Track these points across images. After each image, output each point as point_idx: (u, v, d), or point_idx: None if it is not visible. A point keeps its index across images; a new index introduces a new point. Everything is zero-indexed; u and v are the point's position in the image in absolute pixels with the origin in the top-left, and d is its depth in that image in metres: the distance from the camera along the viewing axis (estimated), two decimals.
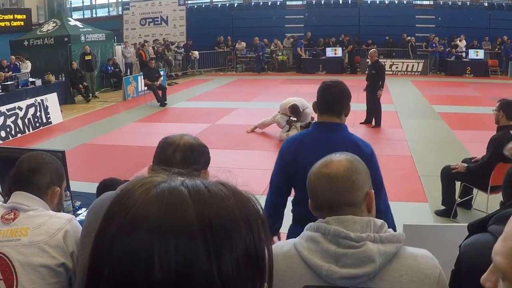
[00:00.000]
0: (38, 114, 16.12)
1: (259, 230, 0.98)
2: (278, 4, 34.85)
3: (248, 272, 0.94)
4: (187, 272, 0.88)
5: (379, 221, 2.10)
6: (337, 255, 2.00)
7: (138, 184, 0.99)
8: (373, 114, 14.58)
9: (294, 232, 3.32)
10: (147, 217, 0.91)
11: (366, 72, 15.20)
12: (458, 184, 7.84)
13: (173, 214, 0.91)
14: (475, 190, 7.89)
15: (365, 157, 3.72)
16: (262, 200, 1.01)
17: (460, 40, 28.78)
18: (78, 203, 5.20)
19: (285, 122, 13.26)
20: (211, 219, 0.92)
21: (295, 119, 13.07)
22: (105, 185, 4.62)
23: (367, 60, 28.67)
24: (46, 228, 2.74)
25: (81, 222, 2.97)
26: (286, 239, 2.95)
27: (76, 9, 35.96)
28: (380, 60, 16.39)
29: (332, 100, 3.79)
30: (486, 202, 7.25)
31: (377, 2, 33.59)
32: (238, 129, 14.78)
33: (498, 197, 5.91)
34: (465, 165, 7.63)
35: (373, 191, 2.23)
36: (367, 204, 2.18)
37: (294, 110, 12.84)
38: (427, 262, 2.08)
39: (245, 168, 10.34)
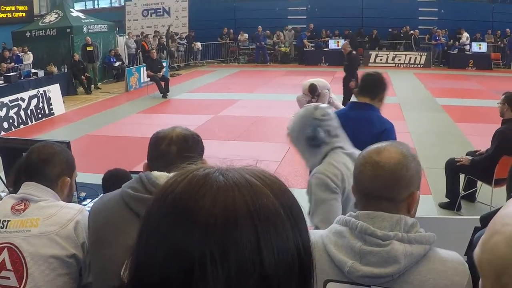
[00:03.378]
0: (40, 105, 16.12)
1: (302, 221, 0.98)
2: None
3: (294, 263, 0.94)
4: (241, 265, 0.87)
5: (411, 220, 2.03)
6: (361, 252, 1.96)
7: (179, 178, 0.97)
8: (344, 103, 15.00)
9: None
10: (195, 212, 0.90)
11: (343, 63, 15.82)
12: (462, 177, 7.85)
13: (222, 207, 0.90)
14: (479, 183, 7.91)
15: (373, 134, 4.00)
16: None
17: (461, 33, 28.68)
18: (82, 194, 5.20)
19: (306, 103, 13.23)
20: (259, 210, 0.91)
21: (314, 99, 13.06)
22: (111, 176, 4.62)
23: (370, 52, 28.79)
24: (57, 219, 2.72)
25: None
26: None
27: (78, 0, 35.93)
28: (353, 52, 16.66)
29: (366, 85, 4.61)
30: (490, 195, 7.26)
31: None
32: (241, 120, 14.81)
33: (502, 190, 5.90)
34: (470, 157, 7.63)
35: (419, 192, 2.14)
36: (408, 203, 2.09)
37: (312, 89, 12.83)
38: (456, 268, 2.00)
39: (249, 160, 10.32)
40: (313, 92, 12.79)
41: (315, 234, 2.15)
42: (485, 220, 2.57)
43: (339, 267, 2.00)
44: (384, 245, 1.93)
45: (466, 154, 7.93)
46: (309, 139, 3.48)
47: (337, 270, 2.01)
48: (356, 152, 3.30)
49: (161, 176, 2.36)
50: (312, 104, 3.70)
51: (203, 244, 0.87)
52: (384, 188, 2.03)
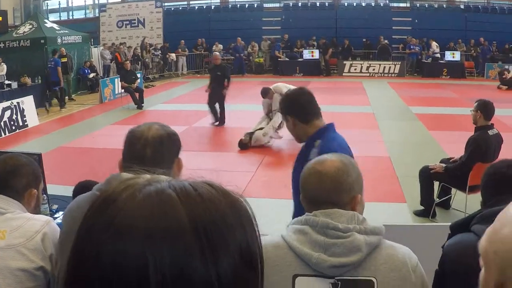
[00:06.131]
0: (14, 117, 15.90)
1: (252, 230, 0.95)
2: (255, 6, 34.93)
3: (244, 273, 0.91)
4: (184, 280, 0.84)
5: (361, 216, 2.25)
6: (326, 245, 2.12)
7: (120, 188, 0.93)
8: (222, 112, 15.58)
9: None
10: (136, 225, 0.86)
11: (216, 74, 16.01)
12: (436, 184, 7.87)
13: (165, 220, 0.86)
14: (453, 190, 7.94)
15: None
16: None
17: (430, 42, 29.00)
18: (55, 207, 5.14)
19: (268, 106, 13.22)
20: (205, 222, 0.87)
21: (274, 110, 13.02)
22: (81, 188, 4.56)
23: (344, 62, 28.89)
24: (24, 231, 2.67)
25: (59, 225, 2.91)
26: None
27: (53, 11, 35.70)
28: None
29: None
30: (464, 202, 7.31)
31: (354, 5, 33.79)
32: (215, 131, 14.88)
33: (476, 197, 5.93)
34: (444, 165, 7.66)
35: (361, 195, 2.34)
36: (351, 207, 2.28)
37: (262, 92, 13.22)
38: (404, 252, 2.24)
39: (223, 170, 10.31)
40: (262, 94, 12.94)
41: (275, 236, 2.32)
42: (455, 227, 2.59)
43: (305, 260, 2.15)
44: (346, 236, 2.13)
45: (440, 162, 7.97)
46: None
47: (304, 264, 2.16)
48: None
49: None
50: None
51: (142, 256, 0.83)
52: (329, 193, 2.25)
